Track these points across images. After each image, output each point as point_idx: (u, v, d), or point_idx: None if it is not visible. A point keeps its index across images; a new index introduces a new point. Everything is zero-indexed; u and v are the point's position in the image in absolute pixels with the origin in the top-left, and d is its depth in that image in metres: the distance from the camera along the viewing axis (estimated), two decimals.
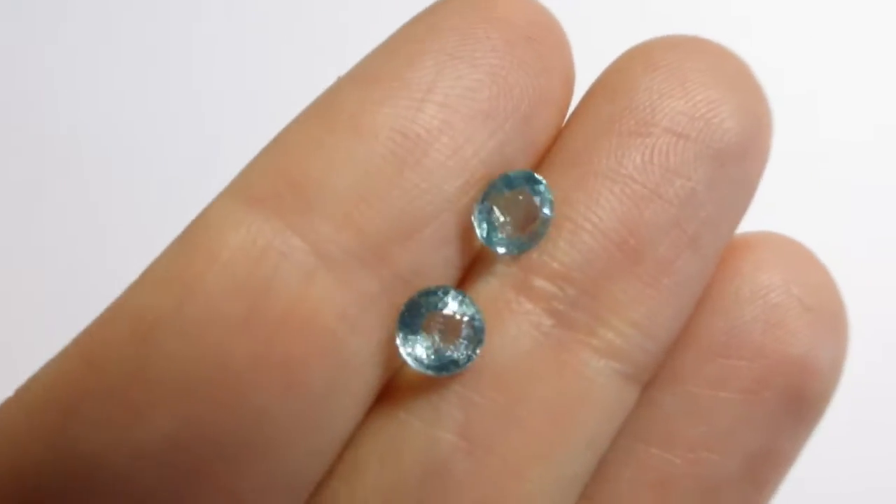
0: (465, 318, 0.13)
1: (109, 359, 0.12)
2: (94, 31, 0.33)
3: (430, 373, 0.13)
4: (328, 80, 0.14)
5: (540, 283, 0.13)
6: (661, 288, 0.14)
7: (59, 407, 0.12)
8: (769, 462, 0.15)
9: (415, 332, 0.13)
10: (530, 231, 0.13)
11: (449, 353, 0.13)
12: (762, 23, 0.35)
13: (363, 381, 0.13)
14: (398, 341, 0.13)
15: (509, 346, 0.13)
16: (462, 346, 0.13)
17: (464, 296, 0.13)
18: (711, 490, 0.15)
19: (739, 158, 0.14)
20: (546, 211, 0.13)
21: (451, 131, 0.13)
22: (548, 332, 0.13)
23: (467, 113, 0.13)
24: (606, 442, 0.14)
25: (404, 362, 0.13)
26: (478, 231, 0.13)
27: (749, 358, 0.14)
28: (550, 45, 0.14)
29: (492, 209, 0.13)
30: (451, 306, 0.13)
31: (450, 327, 0.13)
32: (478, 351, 0.13)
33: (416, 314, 0.13)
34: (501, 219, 0.13)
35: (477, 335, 0.13)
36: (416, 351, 0.13)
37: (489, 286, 0.13)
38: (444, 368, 0.13)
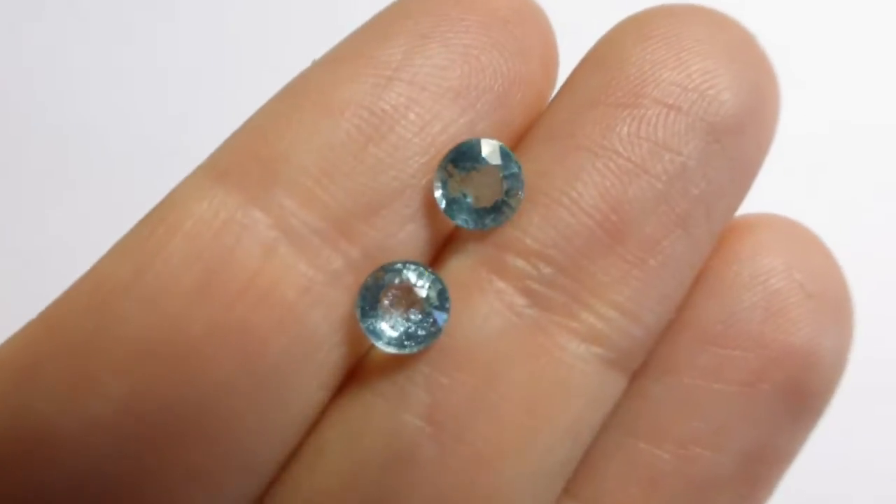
0: (427, 292, 0.13)
1: (67, 324, 0.12)
2: (73, 26, 0.34)
3: (391, 349, 0.13)
4: None
5: (513, 260, 0.13)
6: (646, 269, 0.13)
7: (17, 369, 0.12)
8: (766, 460, 0.14)
9: (374, 306, 0.13)
10: (493, 203, 0.13)
11: (411, 327, 0.13)
12: None
13: (326, 357, 0.13)
14: (357, 315, 0.13)
15: (479, 326, 0.13)
16: (425, 321, 0.13)
17: (425, 268, 0.13)
18: (704, 489, 0.14)
19: (737, 133, 0.13)
20: (508, 182, 0.13)
21: (419, 108, 0.13)
22: (521, 313, 0.13)
23: (436, 91, 0.13)
24: (590, 432, 0.14)
25: (367, 338, 0.13)
26: (439, 203, 0.13)
27: (747, 348, 0.14)
28: (529, 28, 0.14)
29: (447, 180, 0.13)
30: (411, 279, 0.13)
31: (411, 301, 0.13)
32: (441, 326, 0.13)
33: (375, 288, 0.13)
34: (460, 189, 0.13)
35: (440, 309, 0.13)
36: (377, 326, 0.13)
37: (460, 263, 0.13)
38: (406, 344, 0.13)
